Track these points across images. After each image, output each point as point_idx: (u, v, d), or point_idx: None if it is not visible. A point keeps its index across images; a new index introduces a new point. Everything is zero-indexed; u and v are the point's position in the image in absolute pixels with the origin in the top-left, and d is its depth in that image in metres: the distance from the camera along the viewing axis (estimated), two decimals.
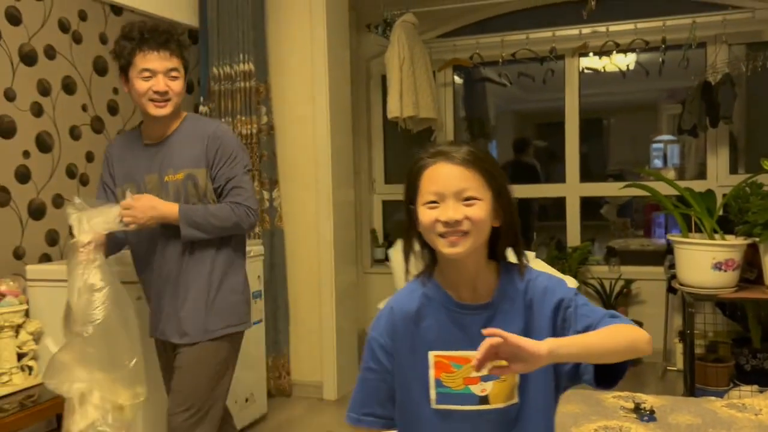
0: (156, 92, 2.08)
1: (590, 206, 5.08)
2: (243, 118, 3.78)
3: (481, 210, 1.16)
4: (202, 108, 3.90)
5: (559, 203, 4.85)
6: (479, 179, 1.17)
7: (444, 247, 1.17)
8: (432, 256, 1.26)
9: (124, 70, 2.12)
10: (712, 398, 2.46)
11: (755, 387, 3.05)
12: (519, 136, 7.07)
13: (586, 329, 1.16)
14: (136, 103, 2.16)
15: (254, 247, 3.49)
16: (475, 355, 1.03)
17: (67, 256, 2.09)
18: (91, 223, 2.02)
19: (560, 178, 4.81)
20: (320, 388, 3.86)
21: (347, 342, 3.99)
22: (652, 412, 2.25)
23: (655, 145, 6.67)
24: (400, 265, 1.28)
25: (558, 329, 1.20)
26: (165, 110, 2.10)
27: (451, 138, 4.92)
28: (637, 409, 2.26)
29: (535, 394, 1.21)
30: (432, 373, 1.22)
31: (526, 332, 1.17)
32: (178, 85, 2.12)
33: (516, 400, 1.21)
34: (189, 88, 3.95)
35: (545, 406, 1.22)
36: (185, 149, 2.14)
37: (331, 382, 3.85)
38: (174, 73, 2.11)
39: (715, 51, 4.14)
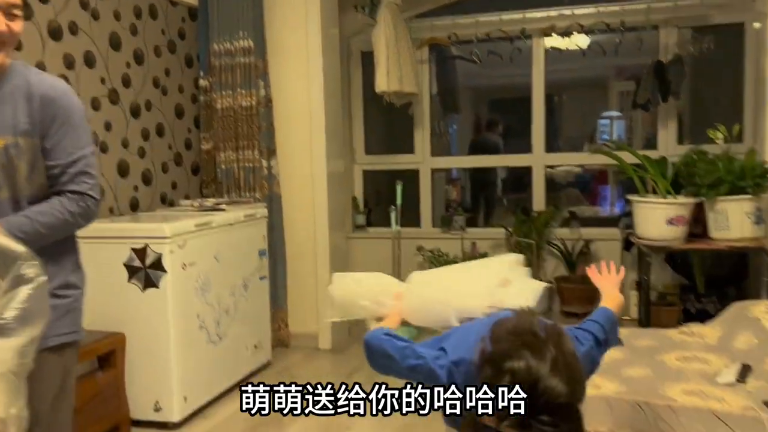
0: None
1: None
2: (243, 92, 4.07)
3: None
4: (202, 81, 4.18)
5: (519, 178, 5.29)
6: None
7: None
8: None
9: None
10: (667, 330, 2.94)
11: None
12: (476, 111, 7.52)
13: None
14: None
15: (259, 210, 3.82)
16: None
17: None
18: None
19: (520, 151, 5.26)
20: (316, 338, 4.24)
21: None
22: (619, 338, 2.70)
23: (602, 121, 7.18)
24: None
25: None
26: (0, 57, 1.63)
27: (427, 111, 5.29)
28: None
29: None
30: None
31: None
32: (18, 26, 1.65)
33: None
34: (188, 63, 4.22)
35: None
36: (8, 109, 1.65)
37: (326, 334, 4.23)
38: (15, 11, 1.63)
39: (666, 33, 4.61)
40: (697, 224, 3.62)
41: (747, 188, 3.29)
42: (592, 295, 4.49)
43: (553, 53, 5.03)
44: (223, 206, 3.59)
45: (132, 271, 3.00)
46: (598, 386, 2.18)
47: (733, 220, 3.34)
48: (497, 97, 7.80)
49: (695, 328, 2.84)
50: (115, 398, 2.95)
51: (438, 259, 5.07)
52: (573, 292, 4.54)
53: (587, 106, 7.64)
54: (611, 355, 2.52)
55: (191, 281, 3.12)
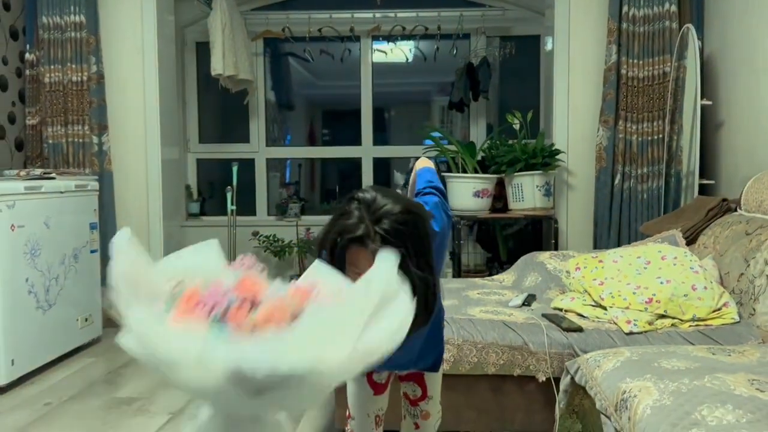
0: None
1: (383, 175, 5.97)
2: (73, 66, 4.03)
3: None
4: (28, 56, 4.08)
5: (357, 172, 5.67)
6: None
7: None
8: None
9: None
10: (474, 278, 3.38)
11: None
12: (311, 122, 7.81)
13: None
14: None
15: (90, 183, 3.79)
16: None
17: None
18: None
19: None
20: None
21: None
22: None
23: (427, 141, 7.81)
24: None
25: None
26: None
27: (262, 101, 5.50)
28: None
29: None
30: None
31: None
32: None
33: None
34: (14, 35, 4.09)
35: None
36: None
37: None
38: None
39: (476, 40, 5.22)
40: (500, 200, 4.16)
41: (538, 165, 3.87)
42: None
43: (380, 66, 5.47)
44: (53, 175, 3.55)
45: None
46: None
47: (527, 193, 3.90)
48: (330, 109, 8.16)
49: (496, 276, 3.31)
50: None
51: (273, 245, 5.26)
52: None
53: (414, 123, 8.21)
54: None
55: (20, 244, 3.06)
